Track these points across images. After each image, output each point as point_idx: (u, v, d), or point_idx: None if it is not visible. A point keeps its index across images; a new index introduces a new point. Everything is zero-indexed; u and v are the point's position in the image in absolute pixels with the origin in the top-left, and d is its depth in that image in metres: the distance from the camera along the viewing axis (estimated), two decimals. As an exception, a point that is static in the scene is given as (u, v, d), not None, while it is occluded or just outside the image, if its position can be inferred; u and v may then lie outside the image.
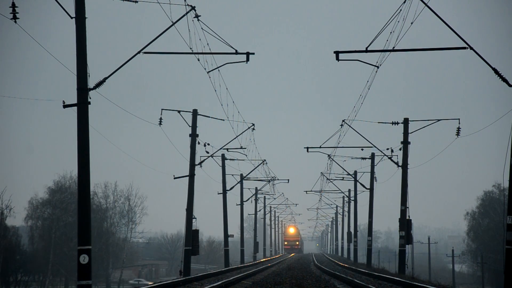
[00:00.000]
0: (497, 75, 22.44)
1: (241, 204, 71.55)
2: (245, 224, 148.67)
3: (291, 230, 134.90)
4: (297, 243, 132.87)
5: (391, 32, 23.94)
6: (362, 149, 48.75)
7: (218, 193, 58.64)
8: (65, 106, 21.21)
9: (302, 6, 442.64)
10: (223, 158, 58.51)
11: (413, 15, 22.87)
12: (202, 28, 25.02)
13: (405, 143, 41.80)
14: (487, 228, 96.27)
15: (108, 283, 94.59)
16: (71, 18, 21.05)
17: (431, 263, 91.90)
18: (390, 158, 43.40)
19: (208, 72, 28.47)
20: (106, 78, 22.02)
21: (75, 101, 21.24)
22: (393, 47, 24.49)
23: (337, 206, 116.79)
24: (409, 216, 41.04)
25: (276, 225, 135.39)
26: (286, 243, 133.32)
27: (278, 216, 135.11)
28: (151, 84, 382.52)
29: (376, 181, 59.56)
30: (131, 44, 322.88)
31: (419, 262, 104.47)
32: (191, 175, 40.98)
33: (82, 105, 21.16)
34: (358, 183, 68.17)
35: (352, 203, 78.26)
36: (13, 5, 18.99)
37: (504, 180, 22.23)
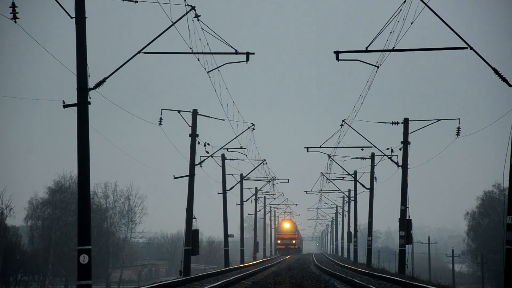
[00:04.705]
0: (497, 75, 22.46)
1: (241, 204, 71.56)
2: (245, 224, 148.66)
3: (286, 225, 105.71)
4: (294, 241, 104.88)
5: (391, 32, 23.96)
6: (362, 149, 48.84)
7: (218, 193, 58.69)
8: (65, 106, 21.22)
9: (302, 6, 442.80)
10: (223, 158, 58.51)
11: (413, 15, 22.90)
12: (202, 28, 25.04)
13: (405, 143, 41.81)
14: (487, 228, 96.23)
15: (108, 283, 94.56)
16: (71, 18, 21.06)
17: (431, 263, 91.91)
18: (390, 158, 43.42)
19: (208, 72, 28.49)
20: (106, 78, 22.03)
21: (75, 101, 21.25)
22: (393, 47, 24.51)
23: (337, 206, 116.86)
24: (409, 216, 41.05)
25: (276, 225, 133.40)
26: (279, 241, 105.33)
27: (278, 216, 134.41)
28: (151, 84, 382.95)
29: (376, 181, 59.64)
30: (131, 44, 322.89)
31: (419, 262, 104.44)
32: (191, 175, 40.98)
33: (82, 105, 21.17)
34: (358, 183, 68.19)
35: (352, 203, 78.31)
36: (13, 5, 18.99)
37: (504, 180, 22.25)
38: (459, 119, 39.19)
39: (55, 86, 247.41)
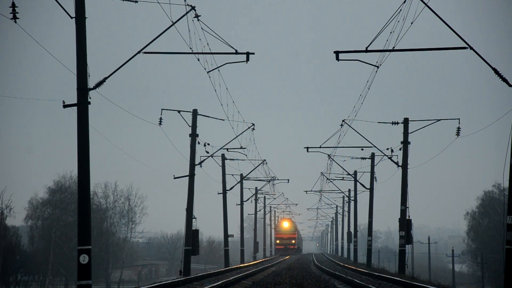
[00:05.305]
0: (497, 75, 22.46)
1: (241, 204, 71.57)
2: (245, 224, 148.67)
3: (285, 224, 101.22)
4: (293, 241, 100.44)
5: (391, 32, 23.96)
6: (362, 149, 48.85)
7: (218, 193, 58.69)
8: (65, 106, 21.22)
9: (302, 6, 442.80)
10: (223, 158, 58.51)
11: (413, 15, 22.90)
12: (202, 28, 25.04)
13: (405, 143, 41.81)
14: (487, 228, 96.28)
15: (108, 283, 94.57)
16: (71, 18, 21.06)
17: (431, 263, 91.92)
18: (390, 158, 43.41)
19: (208, 72, 28.49)
20: (106, 78, 22.03)
21: (75, 101, 21.25)
22: (393, 47, 24.51)
23: (337, 206, 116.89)
24: (409, 216, 41.05)
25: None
26: (278, 241, 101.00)
27: (278, 216, 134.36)
28: (151, 84, 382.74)
29: (376, 181, 59.63)
30: (131, 44, 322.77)
31: (419, 262, 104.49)
32: (191, 175, 40.98)
33: (82, 105, 21.17)
34: (358, 183, 68.19)
35: (352, 203, 78.31)
36: (13, 5, 18.99)
37: (504, 180, 22.26)
38: (459, 119, 39.22)
39: (55, 86, 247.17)
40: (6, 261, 76.01)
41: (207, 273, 33.54)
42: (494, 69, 22.55)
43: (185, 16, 24.52)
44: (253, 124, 45.23)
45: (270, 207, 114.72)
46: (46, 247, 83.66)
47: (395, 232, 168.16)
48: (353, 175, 68.39)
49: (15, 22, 19.09)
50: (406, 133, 41.79)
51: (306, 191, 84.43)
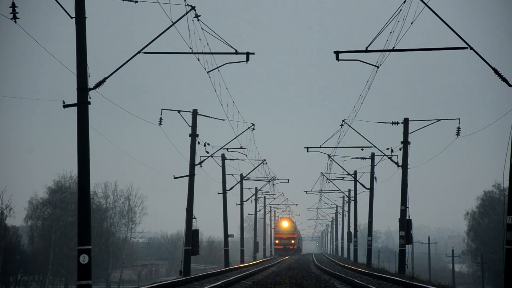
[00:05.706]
0: (497, 75, 22.46)
1: (241, 204, 71.57)
2: (245, 224, 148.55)
3: (285, 224, 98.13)
4: (293, 241, 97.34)
5: (391, 32, 23.96)
6: (362, 149, 48.88)
7: (218, 193, 58.69)
8: (65, 106, 21.22)
9: (302, 6, 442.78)
10: (223, 158, 58.51)
11: (413, 15, 22.90)
12: (202, 28, 25.04)
13: (405, 143, 41.82)
14: (487, 228, 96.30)
15: (108, 283, 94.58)
16: (71, 18, 21.07)
17: (431, 263, 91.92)
18: (390, 158, 43.41)
19: (208, 72, 28.49)
20: (106, 78, 22.03)
21: (75, 101, 21.25)
22: (393, 47, 24.50)
23: (337, 206, 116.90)
24: (409, 216, 41.06)
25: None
26: (277, 241, 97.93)
27: (278, 216, 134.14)
28: (151, 84, 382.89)
29: (376, 181, 59.64)
30: (131, 44, 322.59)
31: (419, 262, 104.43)
32: (191, 175, 40.98)
33: (82, 105, 21.17)
34: (358, 183, 68.19)
35: (352, 203, 78.32)
36: (13, 5, 18.98)
37: (504, 180, 22.26)
38: (459, 119, 39.23)
39: (55, 86, 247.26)
40: (6, 261, 76.02)
41: (207, 273, 33.54)
42: (494, 69, 22.55)
43: (185, 16, 24.53)
44: (253, 124, 45.25)
45: (270, 207, 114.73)
46: (46, 247, 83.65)
47: (395, 232, 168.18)
48: (353, 175, 68.40)
49: (15, 22, 19.09)
50: (406, 133, 41.80)
51: (306, 191, 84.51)
